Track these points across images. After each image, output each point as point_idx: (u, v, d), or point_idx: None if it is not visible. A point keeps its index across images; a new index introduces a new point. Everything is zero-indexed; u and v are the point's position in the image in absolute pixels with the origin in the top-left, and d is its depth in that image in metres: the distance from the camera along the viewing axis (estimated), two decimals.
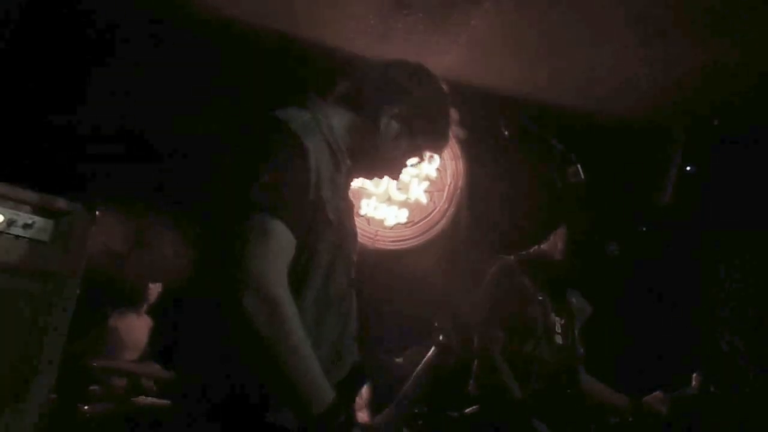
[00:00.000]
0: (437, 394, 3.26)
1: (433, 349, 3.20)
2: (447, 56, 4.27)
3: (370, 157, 1.79)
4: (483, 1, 3.79)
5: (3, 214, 1.93)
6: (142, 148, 4.31)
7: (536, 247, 3.09)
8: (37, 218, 1.99)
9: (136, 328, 4.41)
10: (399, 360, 3.50)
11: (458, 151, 4.90)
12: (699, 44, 4.00)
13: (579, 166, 1.55)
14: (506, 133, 1.72)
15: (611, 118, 4.88)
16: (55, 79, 4.14)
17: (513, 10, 3.85)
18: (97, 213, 2.09)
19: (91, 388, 3.77)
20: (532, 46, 4.18)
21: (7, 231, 1.94)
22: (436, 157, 4.81)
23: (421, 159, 1.88)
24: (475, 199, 4.83)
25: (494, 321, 2.87)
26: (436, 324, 3.23)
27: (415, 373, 3.21)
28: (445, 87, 1.88)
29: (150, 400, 3.73)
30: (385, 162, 1.83)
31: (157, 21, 4.14)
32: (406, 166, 1.87)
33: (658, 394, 2.89)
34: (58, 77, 4.16)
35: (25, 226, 1.97)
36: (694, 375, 2.89)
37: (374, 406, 3.56)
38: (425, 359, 3.21)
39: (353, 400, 1.70)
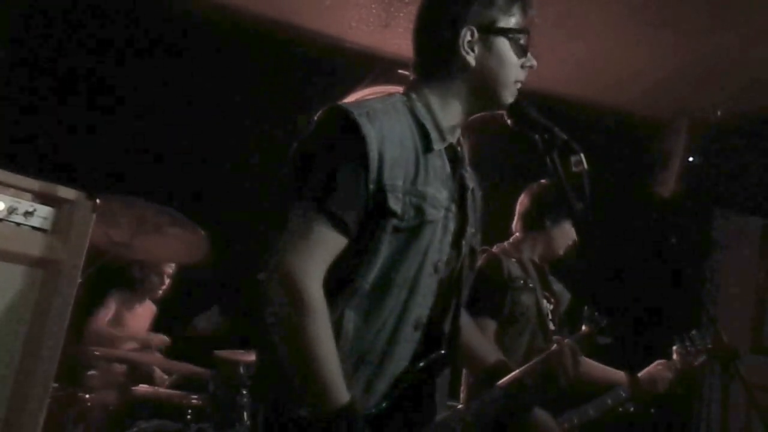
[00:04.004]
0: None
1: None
2: None
3: (484, 74, 1.71)
4: None
5: (4, 202, 1.92)
6: (144, 136, 4.31)
7: (516, 235, 3.05)
8: (38, 206, 1.98)
9: (137, 316, 4.42)
10: None
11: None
12: (701, 35, 3.99)
13: (582, 155, 1.54)
14: (509, 121, 1.70)
15: (614, 109, 4.86)
16: (55, 67, 4.13)
17: None
18: (98, 201, 2.08)
19: (90, 373, 3.78)
20: (533, 35, 4.15)
21: (8, 218, 1.93)
22: None
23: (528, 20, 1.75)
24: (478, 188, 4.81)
25: (485, 311, 2.85)
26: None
27: None
28: None
29: (150, 388, 3.73)
30: (503, 62, 1.74)
31: (152, 9, 4.13)
32: (519, 34, 1.77)
33: (659, 362, 2.89)
34: (59, 67, 4.15)
35: (26, 213, 1.96)
36: (674, 348, 2.88)
37: None
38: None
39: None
